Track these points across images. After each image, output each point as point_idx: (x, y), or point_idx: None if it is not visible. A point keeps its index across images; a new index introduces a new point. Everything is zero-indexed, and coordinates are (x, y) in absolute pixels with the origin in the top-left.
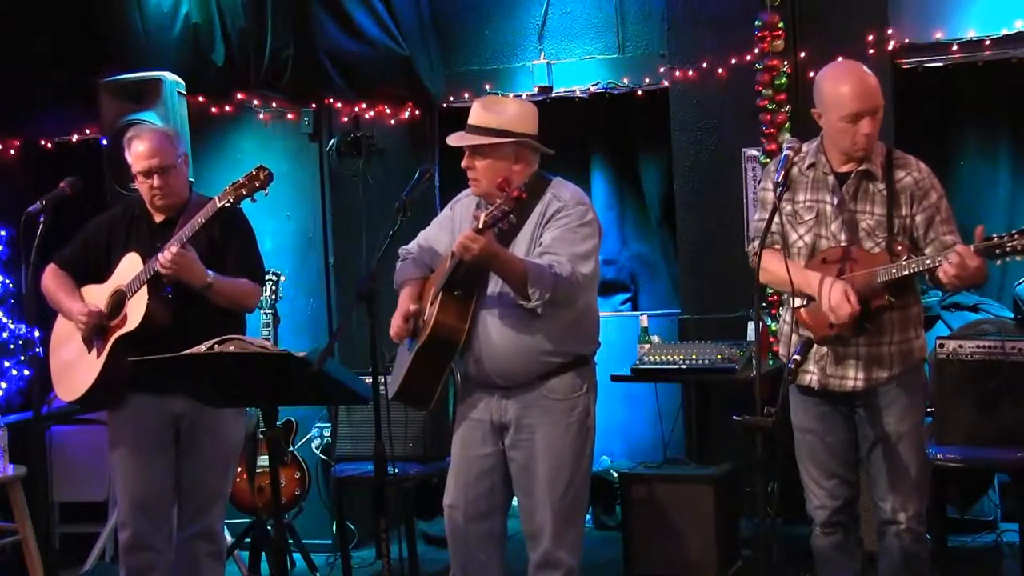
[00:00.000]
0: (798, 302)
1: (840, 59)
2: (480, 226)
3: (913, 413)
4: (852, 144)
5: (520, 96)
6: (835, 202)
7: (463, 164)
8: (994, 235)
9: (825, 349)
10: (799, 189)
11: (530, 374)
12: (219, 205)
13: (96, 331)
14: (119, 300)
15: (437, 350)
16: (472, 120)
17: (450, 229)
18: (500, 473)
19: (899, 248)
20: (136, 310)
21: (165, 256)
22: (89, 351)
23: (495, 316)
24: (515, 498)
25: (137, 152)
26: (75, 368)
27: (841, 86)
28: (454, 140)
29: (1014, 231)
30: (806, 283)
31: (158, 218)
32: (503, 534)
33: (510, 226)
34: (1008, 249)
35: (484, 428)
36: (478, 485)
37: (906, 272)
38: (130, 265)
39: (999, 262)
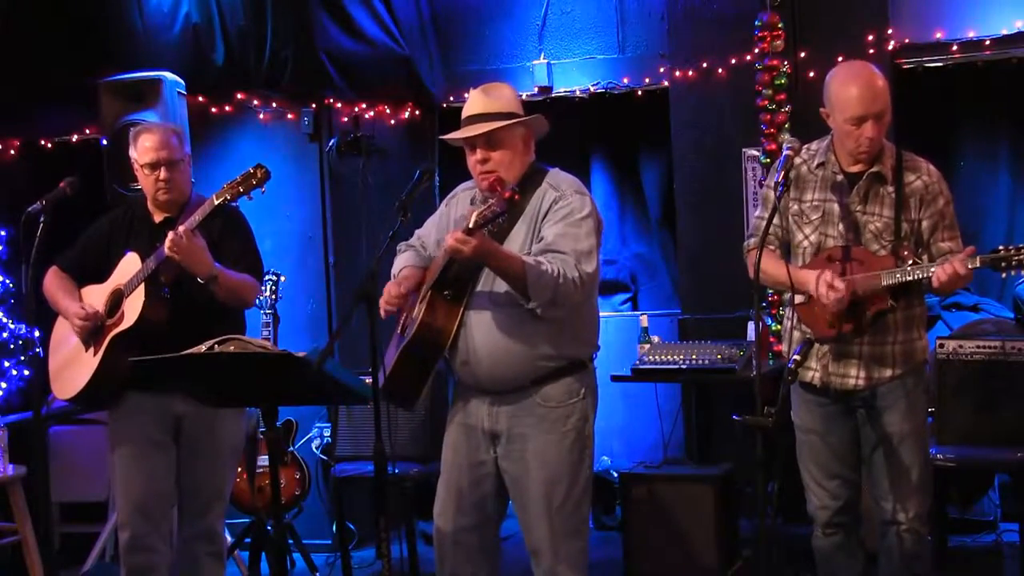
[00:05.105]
0: (799, 299)
1: (852, 60)
2: (471, 226)
3: (916, 413)
4: (856, 146)
5: (520, 96)
6: (842, 202)
7: (477, 158)
8: (1000, 248)
9: (827, 347)
10: (807, 188)
11: (521, 379)
12: (216, 203)
13: (94, 331)
14: (117, 299)
15: (421, 351)
16: (475, 109)
17: (444, 226)
18: (493, 483)
19: (905, 253)
20: (132, 308)
21: (170, 237)
22: (86, 349)
23: (486, 318)
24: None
25: (144, 145)
26: (72, 366)
27: (848, 88)
28: (464, 132)
29: (1021, 245)
30: (803, 282)
31: (158, 217)
32: (495, 547)
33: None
34: (1014, 263)
35: (477, 435)
36: (470, 495)
37: (909, 278)
38: (129, 264)
39: (1004, 275)
